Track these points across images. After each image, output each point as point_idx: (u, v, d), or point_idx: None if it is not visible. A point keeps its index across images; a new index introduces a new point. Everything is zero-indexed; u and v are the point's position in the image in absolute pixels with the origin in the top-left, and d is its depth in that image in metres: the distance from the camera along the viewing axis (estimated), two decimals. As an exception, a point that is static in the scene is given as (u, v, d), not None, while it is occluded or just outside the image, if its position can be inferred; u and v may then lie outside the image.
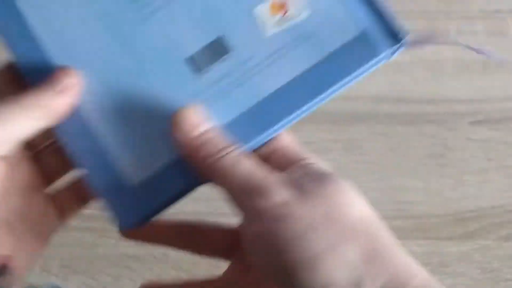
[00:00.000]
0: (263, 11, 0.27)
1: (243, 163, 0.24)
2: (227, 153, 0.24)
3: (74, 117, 0.27)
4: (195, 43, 0.27)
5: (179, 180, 0.27)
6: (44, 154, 0.29)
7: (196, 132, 0.25)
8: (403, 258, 0.23)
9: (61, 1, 0.27)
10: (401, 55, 0.51)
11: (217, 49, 0.27)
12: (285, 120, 0.27)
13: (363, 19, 0.27)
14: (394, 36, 0.28)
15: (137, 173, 0.27)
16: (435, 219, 0.47)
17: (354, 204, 0.24)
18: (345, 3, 0.27)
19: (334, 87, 0.27)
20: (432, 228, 0.47)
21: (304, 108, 0.28)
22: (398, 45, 0.28)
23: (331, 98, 0.29)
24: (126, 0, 0.27)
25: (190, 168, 0.26)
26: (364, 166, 0.48)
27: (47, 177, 0.29)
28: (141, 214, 0.27)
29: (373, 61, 0.28)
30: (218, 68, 0.27)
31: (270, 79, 0.27)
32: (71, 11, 0.27)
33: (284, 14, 0.27)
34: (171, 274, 0.44)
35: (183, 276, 0.44)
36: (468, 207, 0.48)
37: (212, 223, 0.31)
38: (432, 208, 0.48)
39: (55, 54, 0.27)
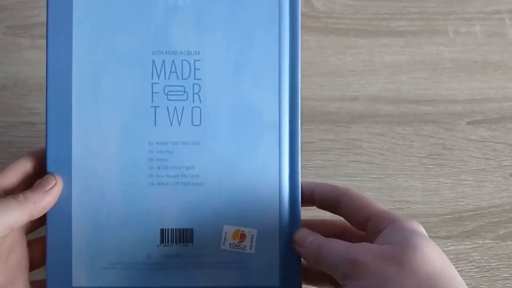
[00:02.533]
0: (229, 230, 0.34)
1: (337, 245, 0.31)
2: (326, 243, 0.32)
3: (62, 216, 0.34)
4: (173, 222, 0.34)
5: None
6: (34, 243, 0.36)
7: (306, 240, 0.33)
8: None
9: (102, 136, 0.35)
10: (399, 55, 0.51)
11: (185, 236, 0.34)
12: None
13: (283, 278, 0.35)
14: None
15: (80, 280, 0.34)
16: (433, 219, 0.48)
17: (424, 262, 0.28)
18: (281, 260, 0.35)
19: None
20: (430, 227, 0.47)
21: None
22: None
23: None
24: (146, 165, 0.34)
25: None
26: (364, 166, 0.48)
27: (32, 264, 0.35)
28: None
29: None
30: (178, 249, 0.34)
31: (201, 277, 0.34)
32: (109, 143, 0.35)
33: (240, 242, 0.34)
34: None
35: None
36: (466, 207, 0.48)
37: None
38: (430, 208, 0.48)
39: (76, 157, 0.34)
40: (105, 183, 0.34)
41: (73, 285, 0.34)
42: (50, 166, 0.34)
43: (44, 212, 0.33)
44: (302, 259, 0.35)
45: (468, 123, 0.50)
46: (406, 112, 0.50)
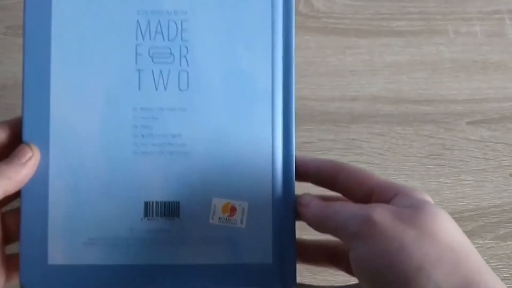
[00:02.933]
0: (219, 203, 0.32)
1: (348, 204, 0.29)
2: (335, 203, 0.30)
3: (38, 188, 0.32)
4: (158, 194, 0.32)
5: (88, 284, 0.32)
6: (9, 215, 0.33)
7: (311, 201, 0.31)
8: (492, 284, 0.25)
9: (86, 100, 0.32)
10: (399, 55, 0.51)
11: (170, 209, 0.32)
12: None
13: (276, 255, 0.32)
14: (286, 281, 0.33)
15: (56, 257, 0.32)
16: (434, 219, 0.48)
17: (444, 231, 0.26)
18: (275, 236, 0.32)
19: (219, 287, 0.33)
20: (431, 228, 0.47)
21: None
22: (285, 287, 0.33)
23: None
24: (130, 132, 0.32)
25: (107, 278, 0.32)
26: (364, 166, 0.48)
27: (7, 237, 0.33)
28: None
29: (261, 286, 0.33)
30: (163, 223, 0.32)
31: (188, 254, 0.32)
32: (90, 108, 0.32)
33: (230, 216, 0.32)
34: None
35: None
36: (466, 207, 0.48)
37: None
38: (431, 208, 0.48)
39: (55, 121, 0.32)
40: (86, 152, 0.32)
41: (49, 262, 0.32)
42: (26, 136, 0.32)
43: (20, 187, 0.31)
44: (296, 237, 0.33)
45: (468, 123, 0.50)
46: (406, 112, 0.50)
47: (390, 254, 0.26)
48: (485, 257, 0.47)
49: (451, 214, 0.48)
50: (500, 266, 0.47)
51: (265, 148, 0.33)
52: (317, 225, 0.30)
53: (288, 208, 0.33)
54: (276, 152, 0.33)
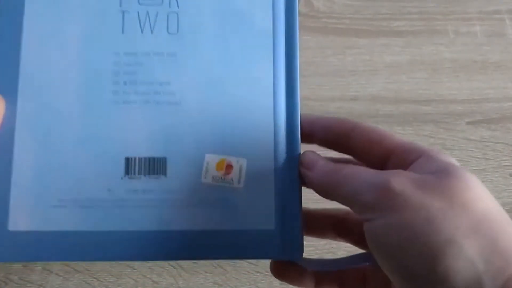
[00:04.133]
0: (212, 160, 0.28)
1: (363, 169, 0.25)
2: (346, 167, 0.26)
3: (1, 140, 0.28)
4: (141, 150, 0.28)
5: (51, 251, 0.27)
6: None
7: (316, 163, 0.27)
8: None
9: (59, 44, 0.28)
10: (399, 55, 0.51)
11: (156, 166, 0.28)
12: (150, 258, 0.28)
13: (279, 220, 0.28)
14: (291, 251, 0.28)
15: (19, 222, 0.27)
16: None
17: (477, 199, 0.23)
18: (277, 198, 0.28)
19: (215, 257, 0.29)
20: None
21: (175, 258, 0.29)
22: (289, 258, 0.28)
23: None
24: (110, 79, 0.28)
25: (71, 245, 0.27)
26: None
27: None
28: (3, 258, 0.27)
29: (261, 257, 0.29)
30: (146, 182, 0.28)
31: (177, 218, 0.27)
32: (62, 53, 0.28)
33: (225, 175, 0.28)
34: (171, 273, 0.44)
35: (184, 275, 0.44)
36: (466, 207, 0.48)
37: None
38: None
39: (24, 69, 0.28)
40: (58, 102, 0.28)
41: (10, 228, 0.27)
42: None
43: None
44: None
45: (468, 123, 0.50)
46: (406, 112, 0.50)
47: (413, 228, 0.22)
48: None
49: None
50: (500, 266, 0.47)
51: (265, 97, 0.29)
52: (325, 192, 0.26)
53: (292, 167, 0.28)
54: (278, 102, 0.29)
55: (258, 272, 0.45)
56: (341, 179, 0.25)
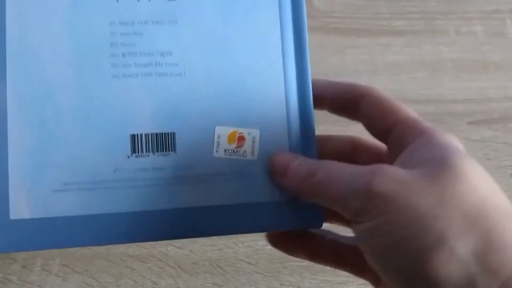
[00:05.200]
0: (223, 132, 0.27)
1: (341, 170, 0.23)
2: (321, 167, 0.24)
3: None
4: (147, 126, 0.26)
5: (52, 237, 0.25)
6: None
7: (289, 164, 0.25)
8: None
9: (45, 13, 0.26)
10: (400, 55, 0.51)
11: (164, 142, 0.27)
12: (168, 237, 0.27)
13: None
14: (312, 219, 0.27)
15: (21, 210, 0.25)
16: (434, 219, 0.48)
17: (470, 191, 0.21)
18: None
19: (235, 231, 0.27)
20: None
21: (191, 235, 0.27)
22: (311, 227, 0.28)
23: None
24: (107, 51, 0.26)
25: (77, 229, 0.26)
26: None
27: None
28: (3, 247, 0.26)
29: (282, 228, 0.28)
30: (155, 160, 0.26)
31: (191, 195, 0.26)
32: (51, 24, 0.26)
33: (237, 147, 0.27)
34: (171, 274, 0.44)
35: (183, 275, 0.44)
36: (467, 207, 0.48)
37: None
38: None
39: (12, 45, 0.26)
40: (53, 76, 0.26)
41: (11, 217, 0.25)
42: None
43: None
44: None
45: (469, 123, 0.50)
46: (407, 112, 0.50)
47: (401, 231, 0.21)
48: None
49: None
50: (501, 267, 0.47)
51: (274, 64, 0.27)
52: (306, 199, 0.25)
53: (306, 135, 0.28)
54: (288, 65, 0.27)
55: (258, 272, 0.44)
56: (319, 185, 0.23)
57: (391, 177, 0.22)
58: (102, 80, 0.26)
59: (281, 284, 0.44)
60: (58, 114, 0.26)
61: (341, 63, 0.50)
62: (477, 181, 0.22)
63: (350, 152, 0.29)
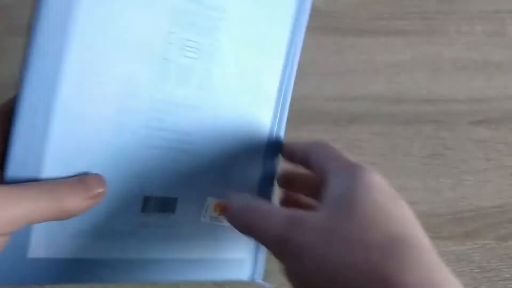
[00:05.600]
0: (211, 202, 0.33)
1: (264, 215, 0.26)
2: (248, 213, 0.27)
3: (27, 167, 0.27)
4: (158, 190, 0.31)
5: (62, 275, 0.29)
6: None
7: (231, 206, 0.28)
8: None
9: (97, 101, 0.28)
10: (400, 55, 0.51)
11: (167, 205, 0.31)
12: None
13: (252, 250, 0.34)
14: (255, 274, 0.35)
15: (38, 250, 0.28)
16: (435, 219, 0.48)
17: (372, 227, 0.23)
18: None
19: (202, 279, 0.33)
20: (432, 228, 0.47)
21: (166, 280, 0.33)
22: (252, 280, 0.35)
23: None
24: (143, 123, 0.30)
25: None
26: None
27: None
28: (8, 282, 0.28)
29: (235, 279, 0.34)
30: (157, 218, 0.31)
31: (177, 248, 0.32)
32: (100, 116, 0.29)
33: (219, 215, 0.33)
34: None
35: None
36: (467, 207, 0.48)
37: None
38: (432, 208, 0.48)
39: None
40: (91, 135, 0.28)
41: (29, 255, 0.28)
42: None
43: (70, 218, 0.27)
44: None
45: (469, 123, 0.50)
46: (407, 112, 0.50)
47: (312, 279, 0.23)
48: (486, 258, 0.47)
49: (452, 214, 0.49)
50: (501, 266, 0.47)
51: (258, 153, 0.34)
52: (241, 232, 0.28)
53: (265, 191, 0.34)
54: (267, 155, 0.34)
55: (258, 272, 0.44)
56: (249, 224, 0.26)
57: (300, 224, 0.24)
58: (133, 146, 0.29)
59: (280, 285, 0.44)
60: (85, 170, 0.28)
61: (341, 63, 0.50)
62: (377, 214, 0.23)
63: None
